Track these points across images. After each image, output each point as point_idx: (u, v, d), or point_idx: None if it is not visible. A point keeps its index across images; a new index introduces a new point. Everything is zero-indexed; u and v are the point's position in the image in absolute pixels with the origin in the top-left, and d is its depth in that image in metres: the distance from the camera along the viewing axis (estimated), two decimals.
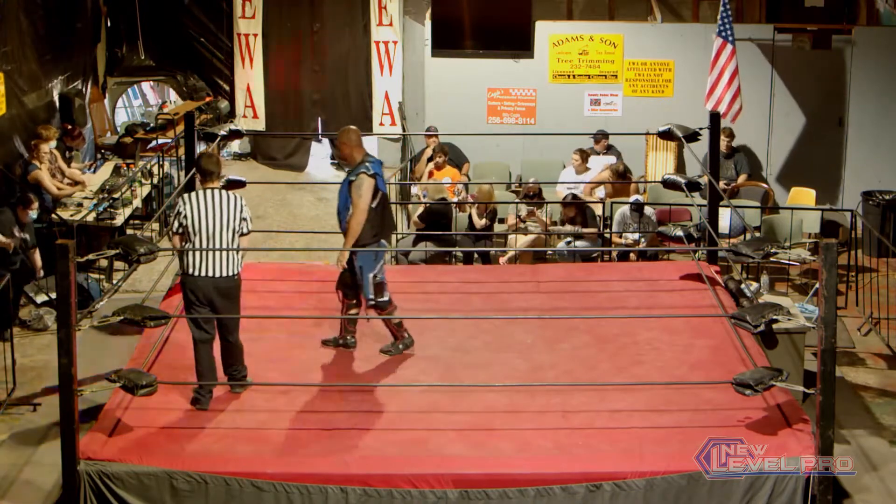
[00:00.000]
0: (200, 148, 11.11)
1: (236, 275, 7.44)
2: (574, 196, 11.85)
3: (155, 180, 13.08)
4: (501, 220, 12.16)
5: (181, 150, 12.41)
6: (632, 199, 11.74)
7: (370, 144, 16.38)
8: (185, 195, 7.48)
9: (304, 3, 15.12)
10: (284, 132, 15.48)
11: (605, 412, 7.31)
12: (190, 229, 7.33)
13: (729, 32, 12.55)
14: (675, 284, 9.47)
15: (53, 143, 12.41)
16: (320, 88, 15.32)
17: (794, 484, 6.64)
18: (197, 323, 7.42)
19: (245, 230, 7.49)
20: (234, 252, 7.38)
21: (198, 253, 7.31)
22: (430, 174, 12.86)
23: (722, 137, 12.80)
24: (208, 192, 7.42)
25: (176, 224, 7.40)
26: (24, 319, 10.41)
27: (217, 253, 7.31)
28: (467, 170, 13.73)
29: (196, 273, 7.33)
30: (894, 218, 12.69)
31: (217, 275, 7.32)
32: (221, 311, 7.39)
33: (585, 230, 11.60)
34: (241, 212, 7.45)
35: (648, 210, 11.83)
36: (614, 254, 11.70)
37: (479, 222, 11.68)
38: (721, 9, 12.63)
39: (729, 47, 12.53)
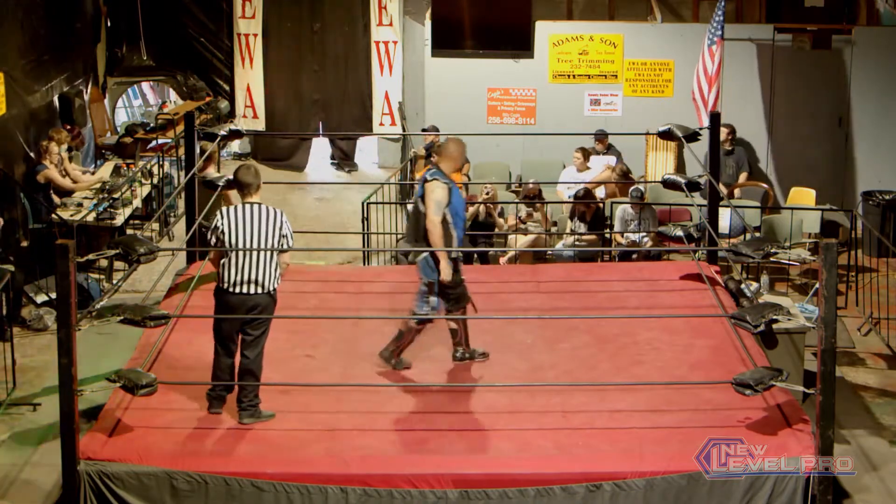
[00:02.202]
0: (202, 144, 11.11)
1: (270, 291, 7.18)
2: (586, 192, 11.85)
3: (155, 180, 13.09)
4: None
5: (181, 150, 12.42)
6: (631, 189, 11.74)
7: (370, 144, 16.47)
8: (224, 209, 7.28)
9: (304, 3, 15.14)
10: (284, 132, 15.49)
11: (605, 412, 7.30)
12: (225, 244, 7.13)
13: (720, 32, 12.57)
14: (675, 284, 9.47)
15: (65, 147, 12.45)
16: (320, 88, 15.34)
17: (794, 484, 6.64)
18: (219, 339, 7.27)
19: (285, 246, 7.19)
20: (273, 268, 7.15)
21: (233, 268, 7.11)
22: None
23: (723, 133, 12.85)
24: (247, 206, 7.18)
25: (213, 239, 7.19)
26: (24, 319, 10.41)
27: (252, 269, 7.10)
28: (467, 170, 13.72)
29: (231, 290, 7.13)
30: (894, 218, 12.69)
31: (250, 291, 7.11)
32: (245, 325, 7.19)
33: (587, 235, 11.60)
34: (281, 228, 7.15)
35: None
36: (614, 253, 11.70)
37: (500, 221, 11.69)
38: (716, 9, 12.65)
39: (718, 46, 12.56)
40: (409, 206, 7.79)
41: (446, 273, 7.76)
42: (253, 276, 7.11)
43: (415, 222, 7.82)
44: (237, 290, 7.13)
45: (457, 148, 7.96)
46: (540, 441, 6.98)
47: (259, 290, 7.14)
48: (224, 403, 7.34)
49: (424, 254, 7.70)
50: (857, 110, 13.79)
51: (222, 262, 7.20)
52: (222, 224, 7.17)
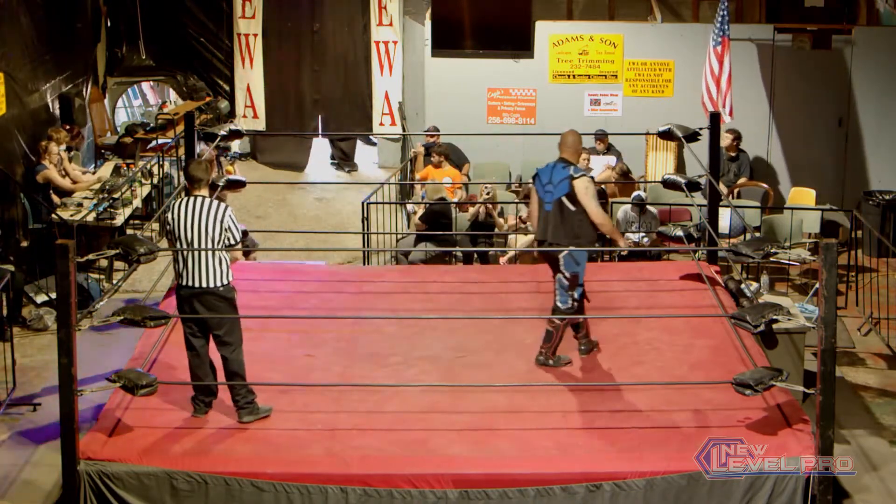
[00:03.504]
0: (200, 148, 11.12)
1: (221, 286, 7.15)
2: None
3: (155, 180, 13.09)
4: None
5: (181, 150, 12.42)
6: (633, 195, 11.75)
7: (367, 144, 16.46)
8: (172, 202, 7.35)
9: (304, 3, 15.12)
10: (284, 132, 15.48)
11: (605, 412, 7.31)
12: (173, 237, 7.19)
13: (727, 29, 12.58)
14: (675, 284, 9.47)
15: (64, 146, 12.43)
16: (320, 88, 15.33)
17: (794, 484, 6.64)
18: (185, 338, 7.29)
19: (232, 241, 7.20)
20: (216, 262, 7.14)
21: (180, 261, 7.17)
22: (423, 176, 12.84)
23: (729, 138, 12.88)
24: (192, 199, 7.21)
25: (165, 231, 7.32)
26: (24, 319, 10.41)
27: (196, 262, 7.11)
28: (467, 170, 13.73)
29: (180, 282, 7.19)
30: (894, 218, 12.70)
31: (197, 285, 7.12)
32: (207, 324, 7.20)
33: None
34: (223, 222, 7.15)
35: (651, 207, 11.83)
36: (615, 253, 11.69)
37: (500, 221, 11.68)
38: (719, 8, 12.66)
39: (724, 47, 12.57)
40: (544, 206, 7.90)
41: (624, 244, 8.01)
42: (194, 270, 7.13)
43: (559, 219, 7.85)
44: (184, 282, 7.18)
45: (573, 137, 8.02)
46: (540, 441, 6.98)
47: (202, 284, 7.12)
48: (209, 409, 7.33)
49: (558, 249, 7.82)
50: (857, 110, 13.79)
51: (173, 255, 7.29)
52: (169, 216, 7.25)
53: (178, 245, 7.16)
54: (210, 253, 7.12)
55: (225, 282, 7.18)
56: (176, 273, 7.25)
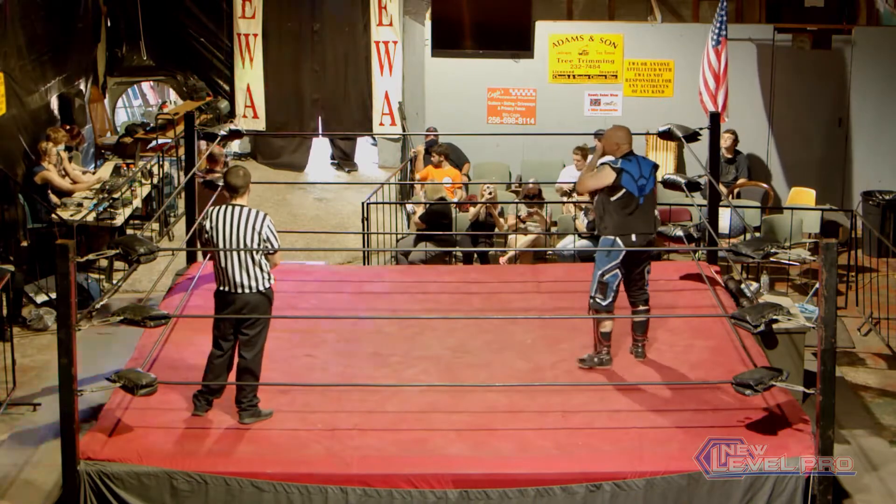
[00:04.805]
0: (201, 148, 11.12)
1: (260, 291, 7.19)
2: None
3: (155, 180, 13.09)
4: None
5: (181, 150, 12.42)
6: None
7: (368, 144, 16.47)
8: (210, 209, 7.37)
9: (304, 3, 15.14)
10: (284, 132, 15.49)
11: (605, 412, 7.31)
12: (211, 245, 7.22)
13: (724, 30, 12.59)
14: (675, 284, 9.47)
15: (62, 146, 12.43)
16: (320, 88, 15.34)
17: (794, 484, 6.64)
18: (214, 339, 7.34)
19: (270, 250, 7.24)
20: (256, 269, 7.18)
21: (219, 269, 7.21)
22: (424, 177, 12.84)
23: (730, 139, 12.87)
24: (230, 208, 7.24)
25: (202, 238, 7.33)
26: (25, 319, 10.41)
27: (236, 268, 7.14)
28: (467, 170, 13.73)
29: (219, 288, 7.24)
30: (894, 218, 12.69)
31: (237, 291, 7.16)
32: (239, 326, 7.23)
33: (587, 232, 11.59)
34: (261, 232, 7.18)
35: None
36: None
37: (500, 221, 11.67)
38: (718, 9, 12.67)
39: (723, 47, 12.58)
40: (615, 197, 7.97)
41: None
42: (237, 277, 7.16)
43: (651, 210, 8.08)
44: (226, 289, 7.21)
45: (625, 131, 8.20)
46: (540, 441, 6.98)
47: (246, 290, 7.17)
48: (210, 408, 7.34)
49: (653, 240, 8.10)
50: (857, 110, 13.79)
51: (213, 262, 7.30)
52: (207, 224, 7.28)
53: (217, 255, 7.17)
54: (249, 260, 7.15)
55: (266, 286, 7.23)
56: (217, 279, 7.27)
